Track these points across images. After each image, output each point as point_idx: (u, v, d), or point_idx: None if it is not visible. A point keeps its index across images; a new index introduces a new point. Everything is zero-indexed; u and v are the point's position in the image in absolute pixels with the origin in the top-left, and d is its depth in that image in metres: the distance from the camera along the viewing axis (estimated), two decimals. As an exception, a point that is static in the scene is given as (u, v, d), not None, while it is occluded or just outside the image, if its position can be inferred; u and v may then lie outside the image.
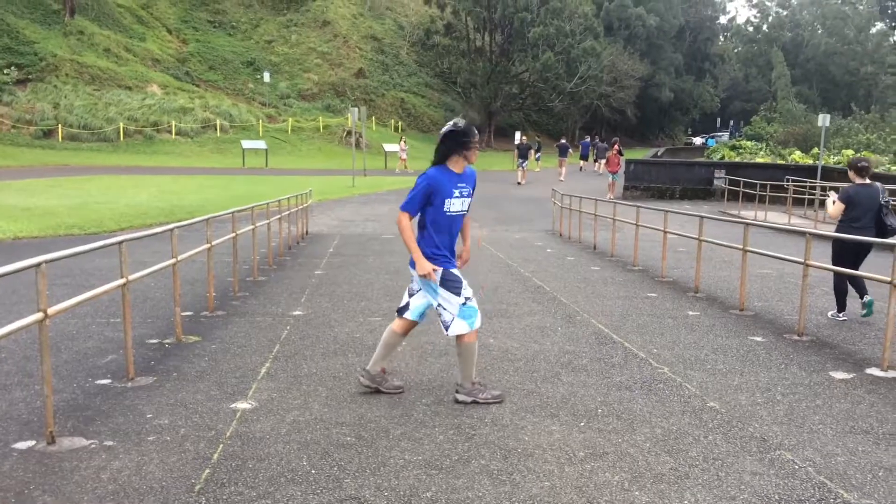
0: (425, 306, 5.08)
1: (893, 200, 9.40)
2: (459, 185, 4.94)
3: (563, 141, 39.06)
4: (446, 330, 4.97)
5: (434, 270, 4.87)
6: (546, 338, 6.99)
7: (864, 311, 7.93)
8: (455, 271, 4.97)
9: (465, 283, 4.98)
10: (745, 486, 3.78)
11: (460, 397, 5.07)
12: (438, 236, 4.93)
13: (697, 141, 73.07)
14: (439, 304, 4.94)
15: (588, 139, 48.63)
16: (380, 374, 5.25)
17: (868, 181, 7.96)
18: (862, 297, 7.91)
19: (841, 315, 8.09)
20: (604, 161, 33.10)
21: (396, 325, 5.17)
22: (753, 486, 3.80)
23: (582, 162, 43.00)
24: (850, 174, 8.13)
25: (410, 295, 5.11)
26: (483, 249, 13.66)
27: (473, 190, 5.09)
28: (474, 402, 5.04)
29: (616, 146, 27.99)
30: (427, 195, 4.87)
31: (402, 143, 40.18)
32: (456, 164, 4.94)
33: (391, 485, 3.78)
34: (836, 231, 7.92)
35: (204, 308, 8.15)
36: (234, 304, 8.58)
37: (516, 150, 33.35)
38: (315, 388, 5.39)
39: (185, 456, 4.13)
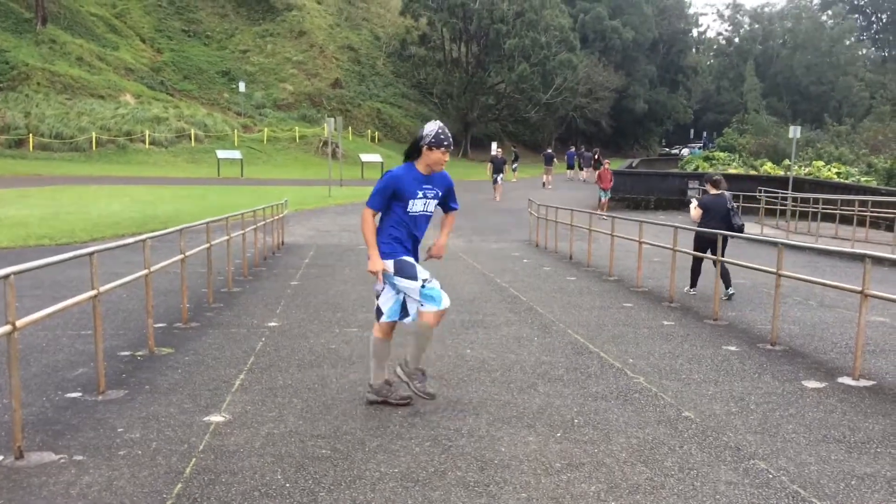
0: (398, 303, 5.03)
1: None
2: (425, 186, 4.93)
3: (549, 151, 39.85)
4: (413, 319, 4.99)
5: (384, 270, 4.89)
6: (522, 348, 6.99)
7: (727, 297, 9.69)
8: (408, 257, 4.94)
9: (419, 267, 4.95)
10: (720, 496, 3.80)
11: (398, 372, 5.12)
12: (398, 232, 4.95)
13: (685, 152, 72.33)
14: (404, 295, 4.96)
15: (573, 149, 49.48)
16: (385, 386, 5.19)
17: (720, 192, 10.00)
18: (727, 289, 9.70)
19: (692, 291, 10.28)
20: (590, 170, 33.04)
21: (376, 330, 5.12)
22: (728, 495, 3.81)
23: (569, 171, 43.54)
24: (708, 187, 10.17)
25: (378, 296, 5.08)
26: (459, 259, 13.66)
27: (445, 194, 5.08)
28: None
29: (597, 157, 27.95)
30: (390, 192, 4.88)
31: None
32: (420, 165, 4.93)
33: (367, 498, 3.74)
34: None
35: (177, 319, 8.05)
36: (209, 315, 8.49)
37: (491, 164, 31.05)
38: (290, 400, 5.34)
39: (156, 470, 4.06)
